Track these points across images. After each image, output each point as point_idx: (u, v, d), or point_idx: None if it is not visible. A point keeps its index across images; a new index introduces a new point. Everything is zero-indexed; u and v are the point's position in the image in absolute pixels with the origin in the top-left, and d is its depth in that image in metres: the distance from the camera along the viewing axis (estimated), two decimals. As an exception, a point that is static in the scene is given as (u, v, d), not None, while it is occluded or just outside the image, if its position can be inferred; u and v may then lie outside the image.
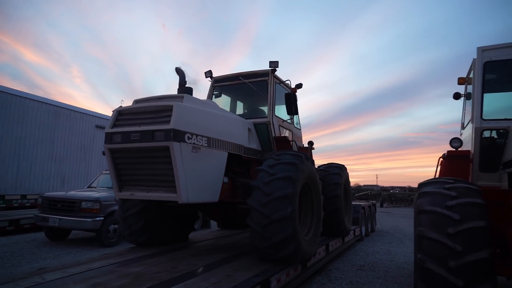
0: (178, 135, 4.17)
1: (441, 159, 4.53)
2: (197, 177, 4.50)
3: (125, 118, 4.59)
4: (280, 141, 6.39)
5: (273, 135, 6.32)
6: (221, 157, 5.08)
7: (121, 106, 4.85)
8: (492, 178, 4.12)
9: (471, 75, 5.04)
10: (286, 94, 6.45)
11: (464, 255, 3.02)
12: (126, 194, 4.65)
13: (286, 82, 6.84)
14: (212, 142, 4.84)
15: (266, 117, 6.36)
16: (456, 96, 5.78)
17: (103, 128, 20.71)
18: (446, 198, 3.37)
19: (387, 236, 12.01)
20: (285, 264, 4.75)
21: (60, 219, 8.19)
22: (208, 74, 7.14)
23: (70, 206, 8.28)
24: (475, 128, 4.08)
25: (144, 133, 4.26)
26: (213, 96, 7.05)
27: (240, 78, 6.77)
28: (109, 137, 4.50)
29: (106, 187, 9.70)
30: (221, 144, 5.05)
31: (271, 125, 6.29)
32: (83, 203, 8.20)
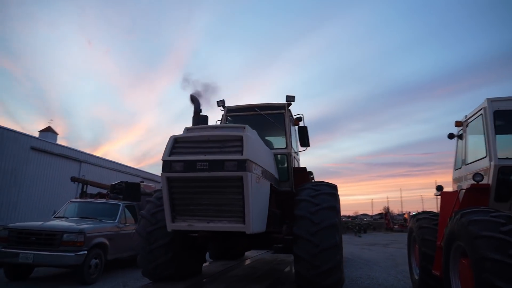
0: (249, 165, 4.26)
1: (462, 190, 5.28)
2: (257, 207, 4.58)
3: (184, 146, 4.52)
4: (299, 172, 6.70)
5: (292, 165, 6.61)
6: (268, 187, 5.21)
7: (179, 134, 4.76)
8: (504, 207, 4.93)
9: (470, 120, 6.00)
10: (299, 127, 6.86)
11: None
12: (182, 225, 4.49)
13: (299, 116, 7.26)
14: (264, 173, 4.97)
15: (284, 148, 6.65)
16: (450, 136, 6.77)
17: (40, 150, 18.78)
18: (498, 224, 3.99)
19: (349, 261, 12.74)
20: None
21: (34, 254, 7.23)
22: (221, 103, 7.25)
23: (49, 239, 7.39)
24: (494, 165, 4.91)
25: (213, 163, 4.25)
26: (226, 125, 7.13)
27: (256, 109, 7.01)
28: (168, 166, 4.38)
29: (79, 217, 8.86)
30: (268, 174, 5.20)
31: (291, 156, 6.59)
32: (65, 235, 7.40)
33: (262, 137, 7.54)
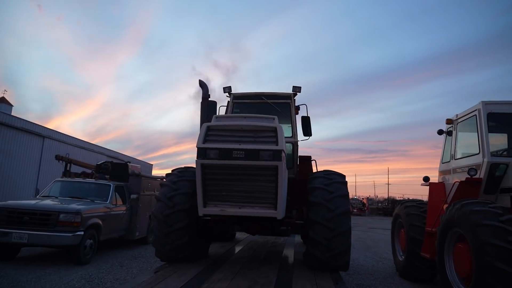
0: (283, 156, 4.50)
1: (457, 182, 5.89)
2: (284, 194, 4.85)
3: (217, 134, 4.64)
4: (304, 160, 7.03)
5: (297, 154, 6.93)
6: (287, 174, 5.49)
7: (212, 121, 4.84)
8: (491, 199, 5.61)
9: (461, 119, 6.62)
10: (302, 117, 7.16)
11: None
12: (214, 210, 4.66)
13: (302, 105, 7.54)
14: (285, 160, 5.24)
15: (291, 137, 6.93)
16: (440, 132, 7.41)
17: None
18: (497, 215, 4.59)
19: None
20: (342, 271, 5.44)
21: (29, 234, 7.04)
22: (227, 89, 7.33)
23: (44, 219, 7.20)
24: (487, 161, 5.54)
25: (249, 152, 4.43)
26: (234, 113, 7.24)
27: (263, 97, 7.18)
28: (202, 153, 4.50)
29: (69, 197, 8.64)
30: (287, 162, 5.47)
31: (297, 145, 6.89)
32: (62, 215, 7.25)
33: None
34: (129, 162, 10.76)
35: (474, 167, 5.73)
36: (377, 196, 62.99)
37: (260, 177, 4.55)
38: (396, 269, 7.99)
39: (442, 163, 7.27)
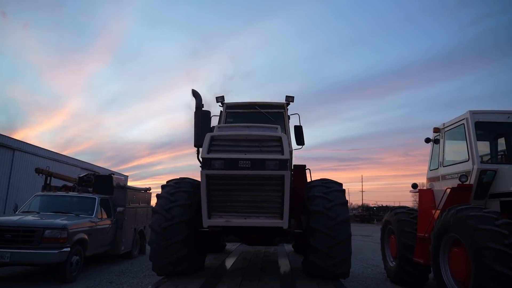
0: (289, 165, 4.52)
1: (448, 189, 6.10)
2: (288, 203, 4.85)
3: (221, 144, 4.61)
4: (298, 169, 7.07)
5: (292, 162, 6.96)
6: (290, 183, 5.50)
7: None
8: (481, 204, 5.84)
9: (449, 127, 6.89)
10: (295, 126, 7.24)
11: None
12: (219, 221, 4.59)
13: (294, 115, 7.60)
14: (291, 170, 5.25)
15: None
16: (427, 140, 7.67)
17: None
18: (492, 219, 4.77)
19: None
20: (342, 278, 5.48)
21: (11, 252, 6.64)
22: (220, 99, 7.31)
23: (28, 235, 6.83)
24: (476, 168, 5.78)
25: (255, 161, 4.42)
26: (227, 123, 7.21)
27: (256, 107, 7.21)
28: (207, 163, 4.44)
29: (52, 212, 8.25)
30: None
31: (292, 154, 6.93)
32: (47, 231, 6.90)
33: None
34: (113, 174, 10.44)
35: (464, 173, 5.96)
36: (352, 204, 64.21)
37: (266, 186, 4.54)
38: (387, 275, 8.12)
39: (430, 170, 7.51)
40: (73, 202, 8.79)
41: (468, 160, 6.04)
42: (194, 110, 6.86)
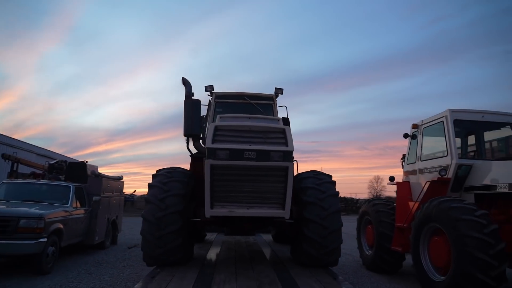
0: (292, 156, 4.61)
1: (428, 182, 6.49)
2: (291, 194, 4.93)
3: (225, 135, 4.59)
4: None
5: None
6: None
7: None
8: (456, 196, 6.30)
9: (427, 124, 7.30)
10: (283, 119, 7.33)
11: (496, 246, 4.84)
12: (222, 211, 4.59)
13: (282, 107, 7.69)
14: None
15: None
16: (405, 135, 8.08)
17: None
18: (472, 210, 5.18)
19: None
20: (332, 266, 5.72)
21: (-16, 243, 6.24)
22: (209, 88, 7.22)
23: (1, 225, 6.42)
24: (455, 163, 6.20)
25: (260, 153, 4.46)
26: (216, 112, 7.14)
27: (246, 98, 7.21)
28: (212, 153, 4.41)
29: (23, 200, 7.78)
30: None
31: (281, 146, 7.03)
32: (23, 220, 6.52)
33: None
34: (86, 161, 9.99)
35: (443, 167, 6.38)
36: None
37: (269, 177, 4.60)
38: (362, 263, 8.54)
39: (407, 164, 7.94)
40: (45, 190, 8.33)
41: (446, 155, 6.46)
42: (184, 98, 6.80)
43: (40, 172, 9.85)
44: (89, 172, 9.56)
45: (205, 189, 4.53)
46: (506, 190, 5.38)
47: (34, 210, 6.85)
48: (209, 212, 4.54)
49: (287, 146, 4.53)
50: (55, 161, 9.93)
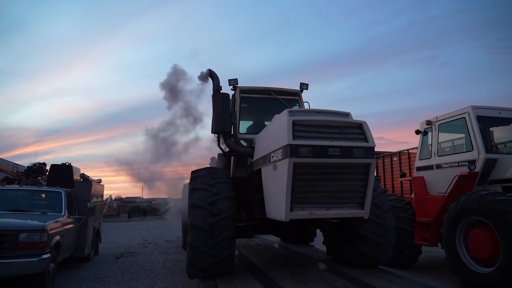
0: (374, 152, 4.36)
1: (456, 176, 6.65)
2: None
3: (304, 130, 4.20)
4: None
5: None
6: None
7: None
8: (481, 189, 6.53)
9: (443, 121, 7.51)
10: None
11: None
12: (303, 214, 4.18)
13: (305, 103, 7.38)
14: None
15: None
16: (417, 132, 8.26)
17: None
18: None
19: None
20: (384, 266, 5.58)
21: (-24, 265, 5.11)
22: (233, 82, 6.70)
23: (-3, 241, 5.32)
24: (483, 157, 6.43)
25: (344, 149, 4.15)
26: (241, 108, 6.65)
27: (272, 93, 6.82)
28: (295, 150, 3.99)
29: (7, 211, 6.57)
30: None
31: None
32: (23, 234, 5.47)
33: (262, 122, 7.40)
34: (69, 163, 8.78)
35: (471, 162, 6.58)
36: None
37: (351, 175, 4.30)
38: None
39: (420, 159, 8.13)
40: (33, 197, 7.15)
41: (472, 150, 6.68)
42: (212, 93, 6.24)
43: (14, 177, 8.46)
44: (75, 175, 8.43)
45: (282, 190, 4.08)
46: None
47: (34, 222, 5.80)
48: (288, 215, 4.10)
49: (367, 141, 4.28)
50: (33, 163, 8.60)
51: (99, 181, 10.31)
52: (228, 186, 5.12)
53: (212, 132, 5.96)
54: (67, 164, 8.66)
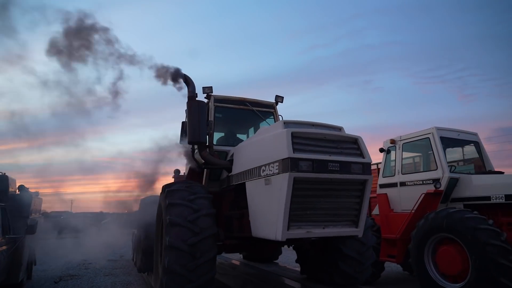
0: (370, 169, 4.25)
1: (423, 194, 6.84)
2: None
3: (303, 143, 3.95)
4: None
5: None
6: None
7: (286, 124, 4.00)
8: (442, 207, 6.82)
9: (407, 140, 7.80)
10: None
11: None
12: (299, 233, 3.88)
13: (279, 116, 7.21)
14: None
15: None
16: (381, 150, 8.48)
17: None
18: (485, 220, 5.62)
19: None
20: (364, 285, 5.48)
21: None
22: (208, 90, 6.30)
23: None
24: (447, 176, 6.71)
25: (343, 164, 3.97)
26: (213, 117, 6.24)
27: (247, 104, 6.54)
28: (295, 164, 3.72)
29: None
30: None
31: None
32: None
33: (234, 133, 7.07)
34: (3, 173, 7.53)
35: (436, 180, 6.85)
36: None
37: (348, 192, 4.12)
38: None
39: (383, 177, 8.33)
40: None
41: (437, 169, 6.97)
42: (186, 100, 5.78)
43: None
44: (11, 187, 7.26)
45: (277, 207, 3.76)
46: (502, 200, 6.04)
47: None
48: (285, 234, 3.77)
49: (363, 157, 4.16)
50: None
51: (37, 194, 9.08)
52: (208, 201, 4.68)
53: (188, 143, 5.47)
54: (0, 174, 7.44)
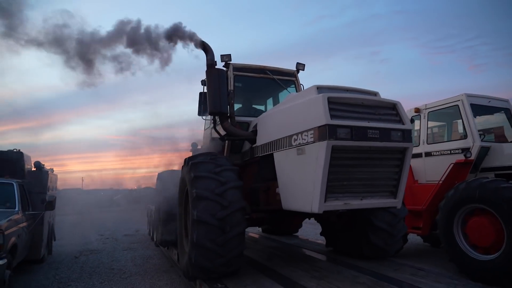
0: (411, 136, 3.98)
1: (452, 164, 6.57)
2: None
3: (339, 109, 3.66)
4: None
5: None
6: None
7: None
8: (472, 177, 6.56)
9: (433, 108, 7.44)
10: None
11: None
12: (337, 205, 3.66)
13: (300, 85, 6.88)
14: None
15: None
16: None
17: None
18: None
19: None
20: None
21: None
22: (226, 58, 5.96)
23: None
24: (478, 145, 6.41)
25: (383, 131, 3.69)
26: (233, 86, 5.94)
27: (268, 72, 6.20)
28: (333, 131, 3.45)
29: None
30: None
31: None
32: (-28, 237, 4.36)
33: (252, 103, 6.78)
34: (18, 149, 7.39)
35: (466, 150, 6.55)
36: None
37: (386, 161, 3.87)
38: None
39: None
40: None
41: (466, 138, 6.65)
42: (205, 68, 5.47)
43: None
44: (27, 164, 7.14)
45: (314, 178, 3.52)
46: None
47: (-14, 220, 4.66)
48: (322, 206, 3.56)
49: (403, 124, 3.87)
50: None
51: (52, 170, 8.98)
52: (235, 173, 4.47)
53: (209, 113, 5.21)
54: (15, 150, 7.30)
